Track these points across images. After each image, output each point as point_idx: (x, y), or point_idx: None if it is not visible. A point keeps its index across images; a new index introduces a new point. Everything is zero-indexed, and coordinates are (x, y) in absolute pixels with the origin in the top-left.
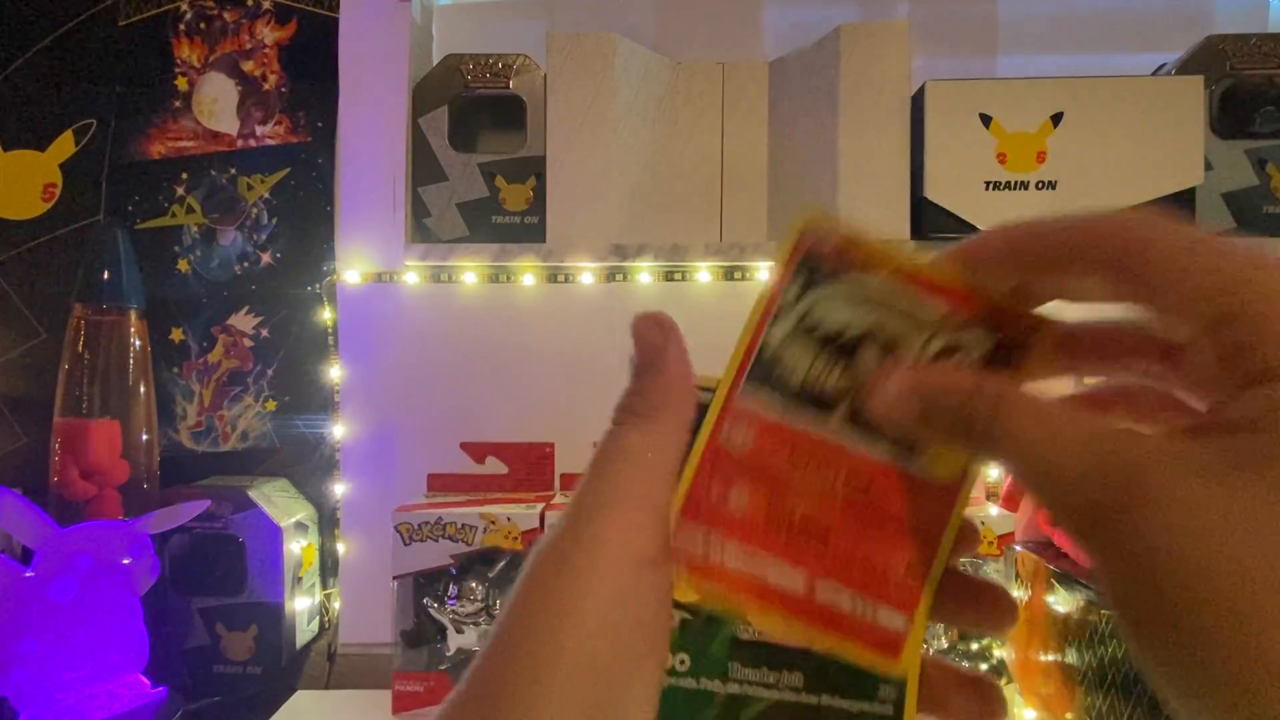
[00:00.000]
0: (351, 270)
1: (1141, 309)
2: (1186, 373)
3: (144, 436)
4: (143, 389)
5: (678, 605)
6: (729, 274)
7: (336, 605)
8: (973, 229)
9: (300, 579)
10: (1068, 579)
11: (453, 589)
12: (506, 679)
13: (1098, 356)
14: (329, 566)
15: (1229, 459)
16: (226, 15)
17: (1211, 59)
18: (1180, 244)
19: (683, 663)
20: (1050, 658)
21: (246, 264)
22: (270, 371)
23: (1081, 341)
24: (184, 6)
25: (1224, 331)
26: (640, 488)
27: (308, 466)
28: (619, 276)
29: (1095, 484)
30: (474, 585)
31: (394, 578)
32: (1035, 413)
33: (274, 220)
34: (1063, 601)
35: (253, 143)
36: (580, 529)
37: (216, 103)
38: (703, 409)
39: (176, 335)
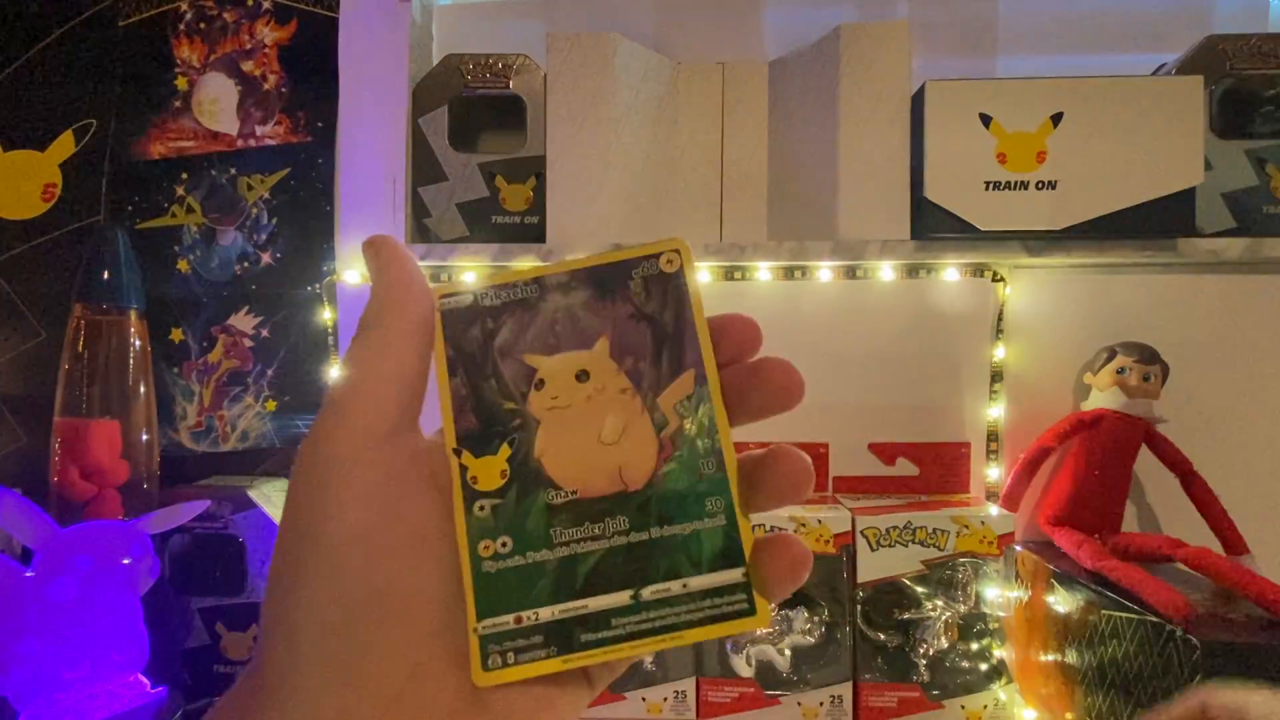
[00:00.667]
0: (351, 270)
1: None
2: None
3: (144, 436)
4: (143, 389)
5: (483, 494)
6: (729, 274)
7: None
8: (973, 229)
9: None
10: (1068, 579)
11: None
12: (279, 565)
13: None
14: None
15: None
16: (226, 15)
17: (1211, 59)
18: None
19: (505, 545)
20: (1050, 658)
21: (246, 264)
22: (270, 371)
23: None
24: (184, 6)
25: None
26: (370, 380)
27: None
28: None
29: None
30: None
31: None
32: None
33: (274, 220)
34: (1063, 601)
35: (253, 143)
36: (325, 421)
37: (216, 103)
38: (448, 311)
39: (176, 335)
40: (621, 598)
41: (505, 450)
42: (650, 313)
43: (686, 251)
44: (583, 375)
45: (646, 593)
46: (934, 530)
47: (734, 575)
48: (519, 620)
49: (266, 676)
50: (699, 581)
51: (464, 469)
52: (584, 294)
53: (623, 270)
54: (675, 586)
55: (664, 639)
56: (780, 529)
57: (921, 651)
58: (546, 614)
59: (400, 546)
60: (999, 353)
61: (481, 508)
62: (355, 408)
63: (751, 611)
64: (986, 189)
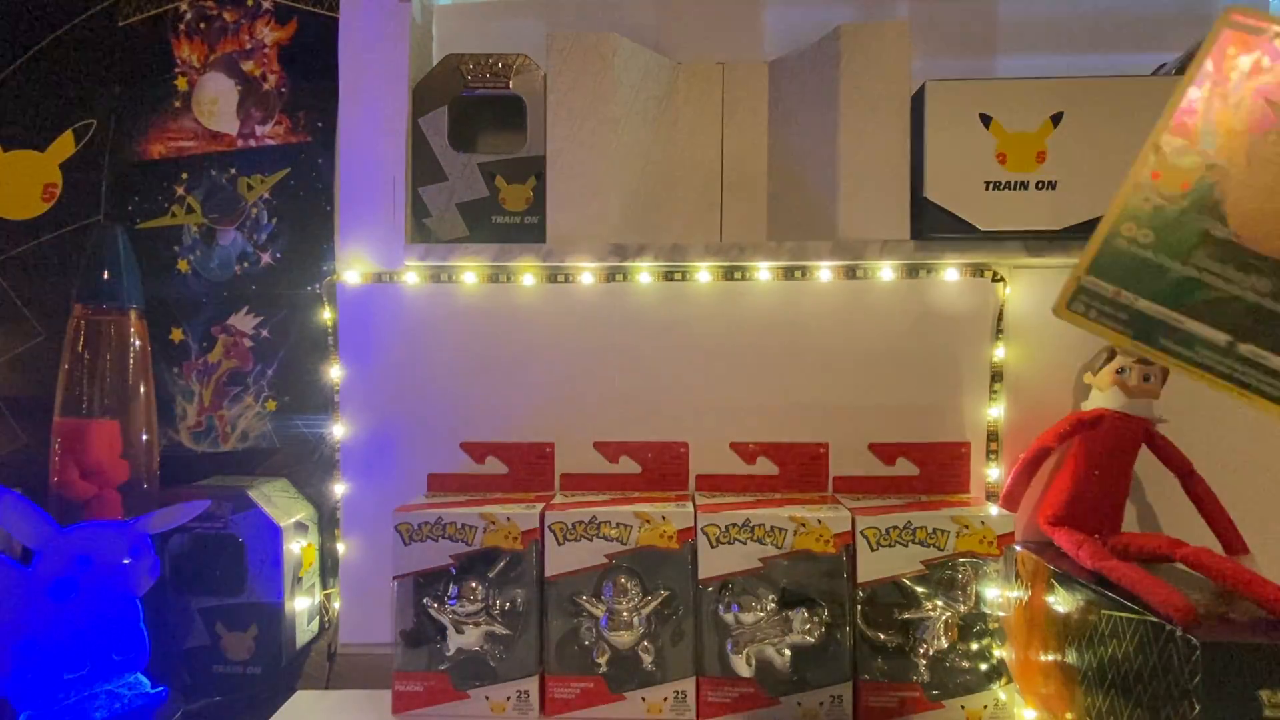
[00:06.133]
0: (351, 270)
1: None
2: None
3: (144, 436)
4: (143, 389)
5: (1155, 192)
6: (729, 274)
7: (336, 605)
8: (972, 229)
9: (300, 579)
10: (1068, 579)
11: (453, 589)
12: None
13: None
14: (329, 566)
15: None
16: (226, 15)
17: None
18: None
19: (1146, 236)
20: (1050, 658)
21: (246, 264)
22: (270, 371)
23: None
24: (184, 6)
25: None
26: None
27: (308, 466)
28: (619, 276)
29: None
30: (474, 585)
31: (394, 578)
32: None
33: (274, 220)
34: (1063, 601)
35: (253, 143)
36: None
37: (216, 103)
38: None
39: (176, 335)
40: (1218, 337)
41: (1199, 169)
42: None
43: None
44: None
45: (1244, 348)
46: (934, 530)
47: None
48: (1118, 294)
49: None
50: None
51: (1151, 159)
52: None
53: None
54: (1276, 360)
55: (1230, 388)
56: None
57: (921, 651)
58: (1144, 305)
59: None
60: (999, 353)
61: (1147, 199)
62: None
63: None
64: (986, 189)
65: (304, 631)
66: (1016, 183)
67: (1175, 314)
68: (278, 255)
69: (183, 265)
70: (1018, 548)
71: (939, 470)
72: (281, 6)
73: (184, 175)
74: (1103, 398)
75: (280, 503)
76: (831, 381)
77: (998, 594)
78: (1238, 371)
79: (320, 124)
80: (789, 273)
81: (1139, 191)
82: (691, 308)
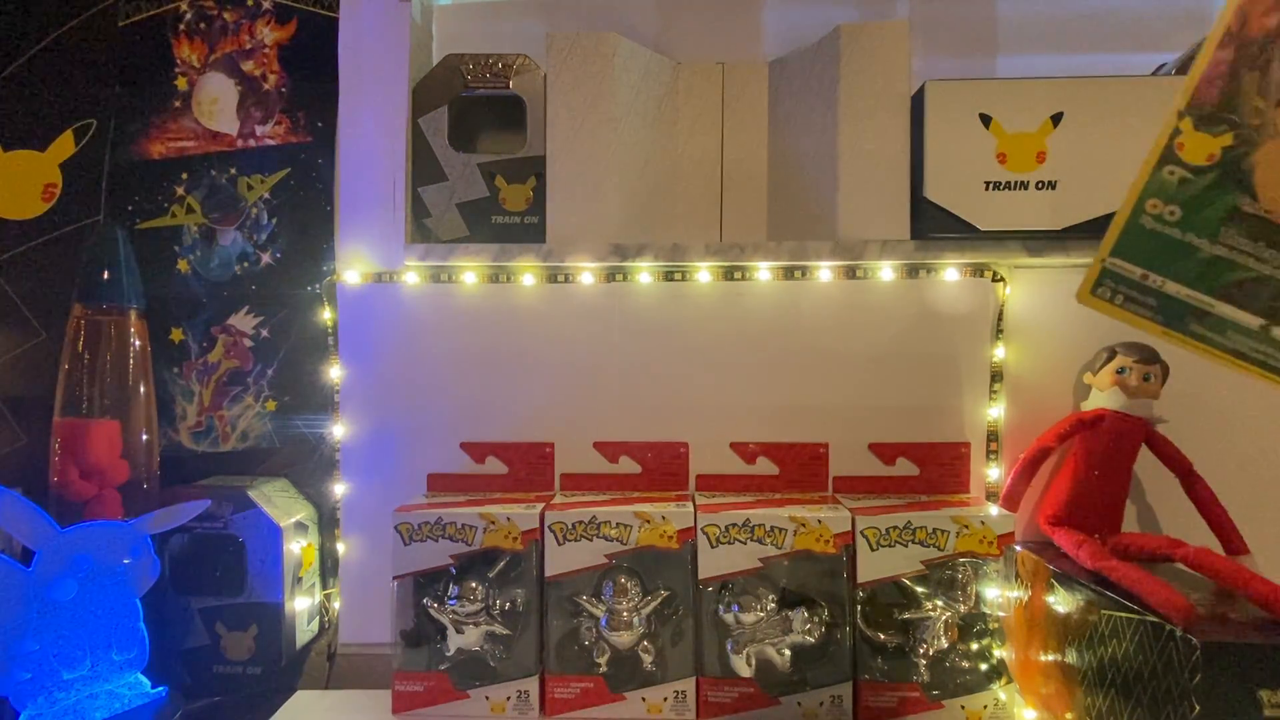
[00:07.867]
0: (351, 270)
1: None
2: None
3: (144, 436)
4: (143, 389)
5: (1181, 163)
6: (729, 274)
7: (336, 605)
8: (973, 229)
9: (300, 579)
10: (1068, 579)
11: (453, 589)
12: None
13: None
14: (329, 566)
15: None
16: (226, 15)
17: None
18: None
19: (1172, 214)
20: (1050, 658)
21: (246, 264)
22: (270, 371)
23: None
24: (184, 6)
25: None
26: None
27: (308, 466)
28: (619, 276)
29: None
30: (474, 585)
31: (394, 578)
32: None
33: (274, 220)
34: (1063, 601)
35: (253, 143)
36: None
37: (216, 103)
38: None
39: (176, 335)
40: (1250, 320)
41: (1227, 138)
42: None
43: None
44: None
45: (1278, 332)
46: (934, 530)
47: None
48: (1145, 277)
49: None
50: None
51: (1177, 131)
52: None
53: None
54: None
55: (1266, 375)
56: None
57: (921, 651)
58: (1173, 288)
59: None
60: (999, 353)
61: (1171, 172)
62: None
63: None
64: (986, 189)
65: (304, 631)
66: (1016, 183)
67: (1206, 297)
68: (278, 255)
69: (183, 265)
70: (1018, 548)
71: (939, 470)
72: (281, 6)
73: (184, 175)
74: (1103, 398)
75: (280, 503)
76: (831, 381)
77: (998, 594)
78: (1272, 357)
79: (320, 124)
80: (789, 273)
81: (1164, 164)
82: (691, 308)
